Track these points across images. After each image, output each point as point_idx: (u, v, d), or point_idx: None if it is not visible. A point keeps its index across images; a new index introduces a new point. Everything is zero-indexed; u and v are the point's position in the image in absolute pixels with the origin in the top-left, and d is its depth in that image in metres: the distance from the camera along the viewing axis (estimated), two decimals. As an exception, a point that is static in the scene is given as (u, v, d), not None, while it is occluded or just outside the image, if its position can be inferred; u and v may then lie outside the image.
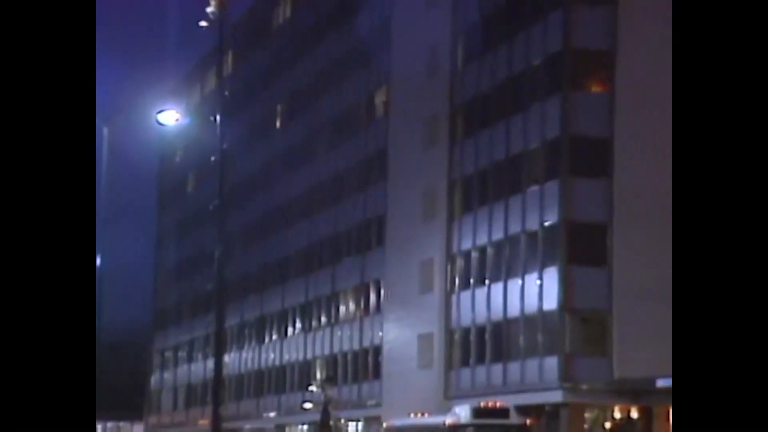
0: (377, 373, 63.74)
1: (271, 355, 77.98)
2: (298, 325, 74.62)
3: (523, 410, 44.61)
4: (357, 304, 67.49)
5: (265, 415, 74.37)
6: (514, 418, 42.40)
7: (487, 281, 54.34)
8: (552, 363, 49.10)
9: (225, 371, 44.43)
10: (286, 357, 75.70)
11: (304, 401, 65.67)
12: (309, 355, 72.19)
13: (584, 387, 48.07)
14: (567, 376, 48.35)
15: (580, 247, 49.30)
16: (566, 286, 48.93)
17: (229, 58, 76.77)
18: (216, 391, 37.74)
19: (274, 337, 78.10)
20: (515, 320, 51.84)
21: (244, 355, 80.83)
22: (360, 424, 62.35)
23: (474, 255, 55.77)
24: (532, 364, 50.35)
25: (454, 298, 57.17)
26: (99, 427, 63.48)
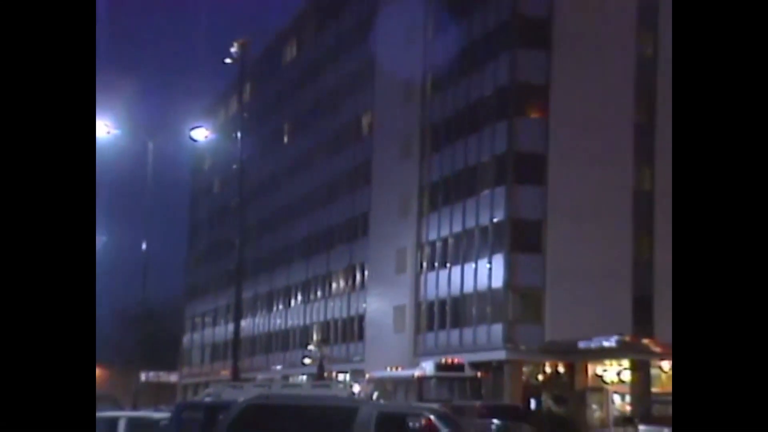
0: (361, 336, 63.92)
1: (278, 321, 78.14)
2: (300, 297, 74.76)
3: (475, 365, 44.81)
4: (346, 282, 67.65)
5: (273, 368, 74.49)
6: (468, 372, 42.60)
7: (448, 264, 54.46)
8: (498, 329, 49.30)
9: (242, 333, 44.64)
10: (289, 322, 75.85)
11: (304, 357, 65.81)
12: (308, 321, 72.35)
13: (522, 348, 48.19)
14: (509, 339, 48.55)
15: (521, 239, 49.36)
16: (510, 268, 49.06)
17: (248, 87, 76.81)
18: (235, 348, 37.90)
19: (281, 307, 78.24)
20: (470, 295, 52.02)
21: (257, 320, 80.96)
22: (347, 375, 62.54)
23: (438, 244, 55.94)
24: (482, 330, 50.54)
25: (422, 277, 57.33)
26: (143, 375, 63.19)
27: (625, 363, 45.22)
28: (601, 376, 46.41)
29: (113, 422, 19.07)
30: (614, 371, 45.95)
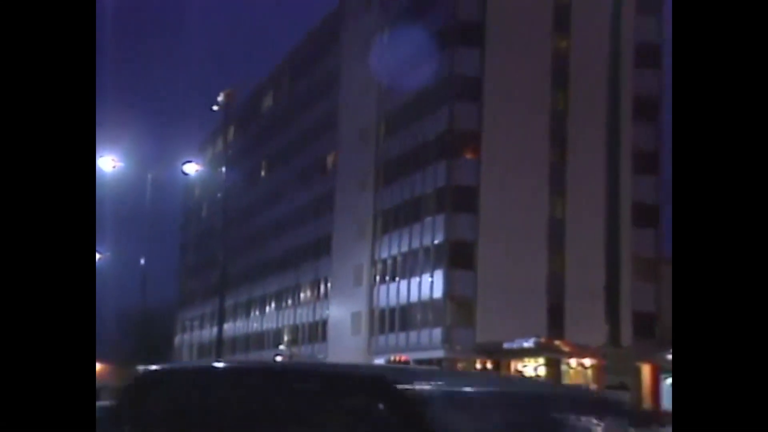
0: (324, 337, 63.63)
1: (255, 325, 77.56)
2: (273, 305, 74.29)
3: (419, 362, 44.77)
4: (312, 292, 67.39)
5: (250, 364, 73.80)
6: (412, 367, 42.52)
7: (397, 278, 54.51)
8: (438, 332, 49.38)
9: (224, 335, 44.18)
10: (264, 326, 75.30)
11: (276, 355, 65.26)
12: (280, 325, 71.87)
13: (458, 347, 48.28)
14: (447, 340, 48.70)
15: (457, 257, 49.52)
16: (448, 282, 49.26)
17: (232, 129, 76.57)
18: (218, 347, 37.61)
19: (257, 313, 77.68)
20: (415, 304, 52.06)
21: (237, 324, 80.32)
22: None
23: (389, 261, 56.00)
24: (425, 333, 50.59)
25: (375, 289, 57.34)
26: (140, 370, 62.11)
27: (541, 360, 45.40)
28: (521, 372, 46.51)
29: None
30: (532, 367, 46.06)
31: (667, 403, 47.39)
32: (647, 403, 43.71)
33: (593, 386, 41.74)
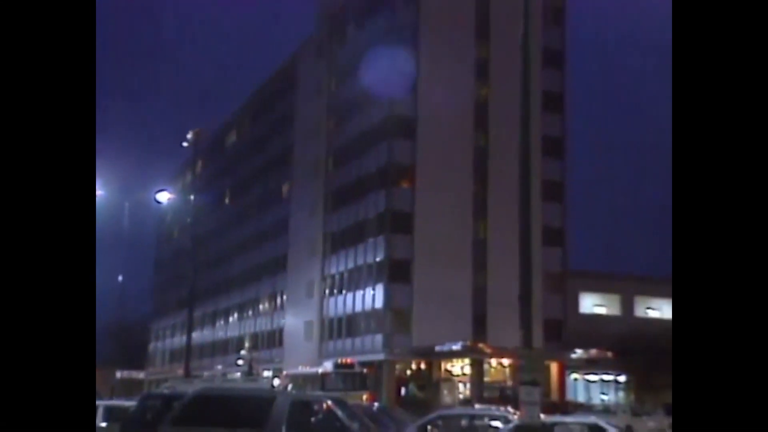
0: (281, 343, 63.26)
1: (220, 333, 76.65)
2: (236, 315, 73.59)
3: (363, 364, 44.74)
4: (270, 304, 67.02)
5: (215, 367, 72.92)
6: (357, 368, 42.45)
7: (344, 291, 54.50)
8: (379, 338, 49.43)
9: (193, 342, 43.54)
10: (228, 334, 74.48)
11: (238, 359, 64.76)
12: (242, 333, 71.25)
13: (396, 351, 48.32)
14: (387, 344, 48.74)
15: (396, 273, 49.53)
16: (388, 294, 49.30)
17: (200, 163, 75.97)
18: (188, 353, 37.10)
19: (222, 322, 76.82)
20: (360, 313, 52.09)
21: (204, 332, 79.30)
22: (270, 372, 61.69)
23: (337, 276, 55.97)
24: (368, 338, 50.59)
25: (325, 300, 57.21)
26: (118, 373, 60.88)
27: (467, 361, 45.88)
28: (450, 371, 46.85)
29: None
30: (459, 367, 46.51)
31: (571, 394, 48.24)
32: (555, 394, 44.40)
33: (510, 382, 42.34)
